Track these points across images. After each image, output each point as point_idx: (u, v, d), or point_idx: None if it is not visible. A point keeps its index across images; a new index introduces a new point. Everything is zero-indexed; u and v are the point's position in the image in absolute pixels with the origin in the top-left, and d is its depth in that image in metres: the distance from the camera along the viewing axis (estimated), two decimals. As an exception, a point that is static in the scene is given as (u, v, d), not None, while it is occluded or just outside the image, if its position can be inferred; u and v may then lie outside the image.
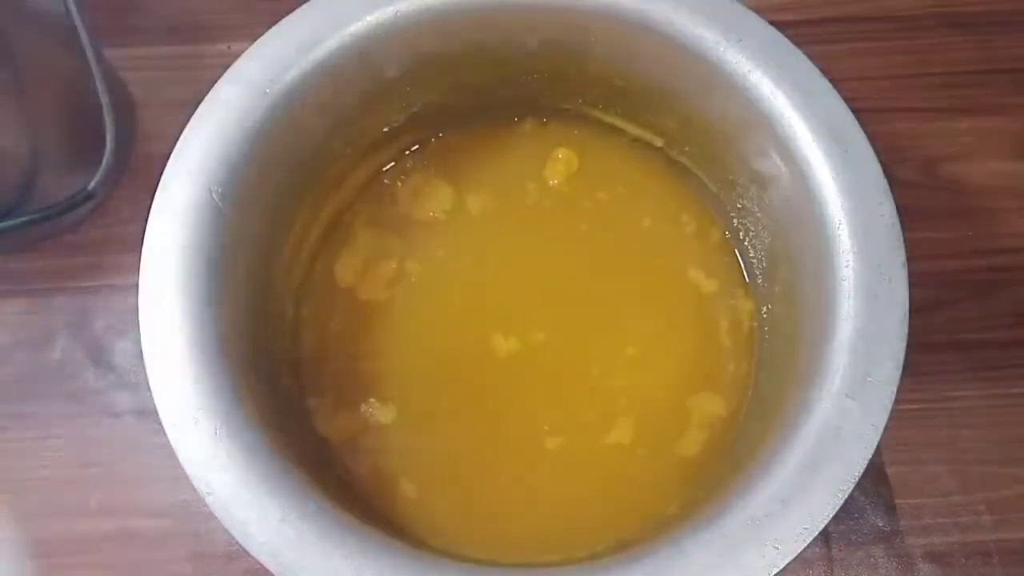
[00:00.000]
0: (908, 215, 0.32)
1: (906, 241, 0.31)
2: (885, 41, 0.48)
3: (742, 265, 0.42)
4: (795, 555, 0.28)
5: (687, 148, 0.41)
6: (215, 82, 0.34)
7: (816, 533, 0.28)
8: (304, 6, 0.35)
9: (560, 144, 0.44)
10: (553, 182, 0.43)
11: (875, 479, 0.41)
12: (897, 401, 0.30)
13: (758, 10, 0.35)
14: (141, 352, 0.31)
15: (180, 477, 0.40)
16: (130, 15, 0.49)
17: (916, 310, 0.31)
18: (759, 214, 0.39)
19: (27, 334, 0.44)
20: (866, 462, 0.29)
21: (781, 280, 0.38)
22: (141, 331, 0.31)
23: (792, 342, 0.36)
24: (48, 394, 0.43)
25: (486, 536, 0.38)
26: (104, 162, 0.40)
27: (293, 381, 0.40)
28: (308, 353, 0.41)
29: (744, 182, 0.38)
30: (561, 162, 0.43)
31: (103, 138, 0.41)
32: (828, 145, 0.33)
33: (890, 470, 0.41)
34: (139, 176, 0.46)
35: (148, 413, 0.42)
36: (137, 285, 0.31)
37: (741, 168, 0.38)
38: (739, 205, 0.40)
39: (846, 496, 0.29)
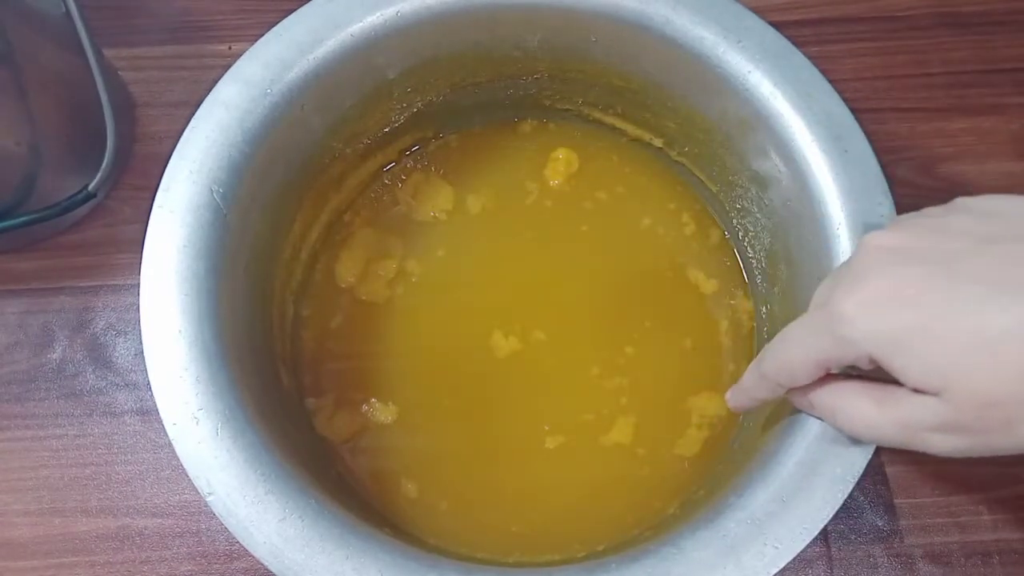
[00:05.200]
0: (908, 215, 0.32)
1: (906, 241, 0.31)
2: (884, 41, 0.48)
3: (742, 265, 0.42)
4: (795, 554, 0.28)
5: (687, 148, 0.41)
6: (215, 82, 0.34)
7: (816, 532, 0.28)
8: (305, 7, 0.35)
9: (560, 144, 0.44)
10: (554, 182, 0.43)
11: (875, 479, 0.41)
12: (897, 401, 0.30)
13: (758, 10, 0.35)
14: (141, 352, 0.31)
15: (180, 476, 0.41)
16: (130, 15, 0.49)
17: (916, 310, 0.30)
18: (759, 214, 0.39)
19: (27, 334, 0.44)
20: (866, 462, 0.29)
21: (781, 280, 0.38)
22: (142, 332, 0.31)
23: (792, 342, 0.36)
24: (48, 394, 0.43)
25: (486, 535, 0.38)
26: (104, 162, 0.40)
27: (293, 381, 0.40)
28: (308, 353, 0.41)
29: (744, 182, 0.38)
30: (561, 162, 0.43)
31: (103, 138, 0.40)
32: (828, 145, 0.33)
33: (890, 470, 0.41)
34: (139, 176, 0.46)
35: (148, 413, 0.42)
36: (137, 285, 0.31)
37: (741, 168, 0.38)
38: (739, 205, 0.40)
39: (846, 495, 0.29)
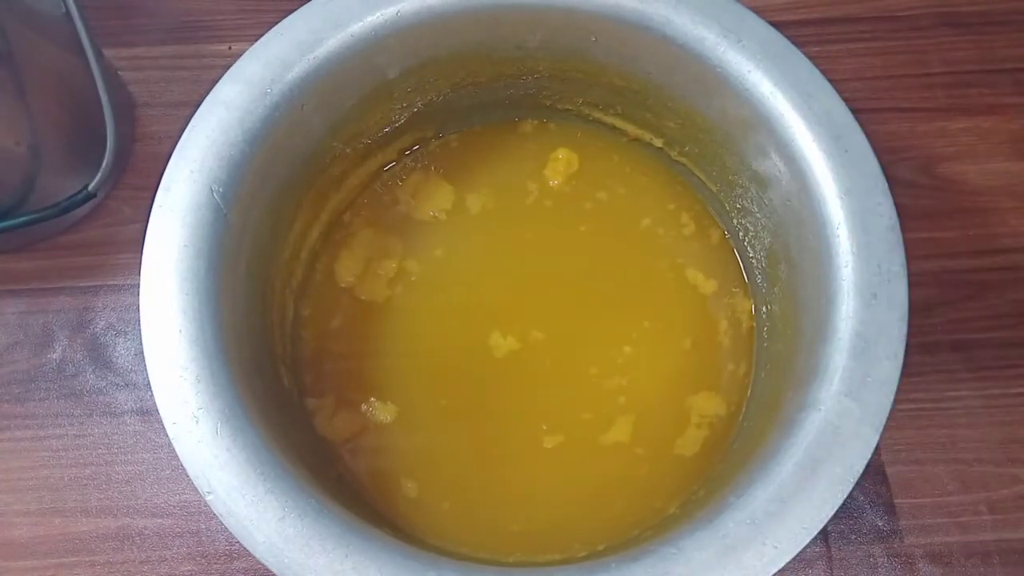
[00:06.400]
0: (907, 215, 0.32)
1: (905, 241, 0.31)
2: (885, 41, 0.48)
3: (741, 265, 0.42)
4: (794, 555, 0.28)
5: (687, 148, 0.41)
6: (215, 82, 0.34)
7: (815, 533, 0.28)
8: (305, 6, 0.35)
9: (560, 144, 0.44)
10: (553, 182, 0.43)
11: (875, 479, 0.41)
12: (897, 401, 0.30)
13: (758, 10, 0.35)
14: (141, 352, 0.31)
15: (180, 476, 0.41)
16: (130, 15, 0.49)
17: (915, 310, 0.31)
18: (759, 214, 0.39)
19: (27, 334, 0.44)
20: (865, 462, 0.29)
21: (781, 280, 0.38)
22: (142, 330, 0.31)
23: (792, 342, 0.36)
24: (48, 394, 0.43)
25: (487, 535, 0.38)
26: (104, 162, 0.40)
27: (293, 381, 0.40)
28: (308, 353, 0.41)
29: (744, 182, 0.38)
30: (561, 162, 0.43)
31: (103, 138, 0.41)
32: (828, 145, 0.33)
33: (890, 470, 0.41)
34: (139, 176, 0.46)
35: (148, 412, 0.42)
36: (137, 285, 0.31)
37: (741, 168, 0.38)
38: (739, 205, 0.40)
39: (845, 496, 0.29)
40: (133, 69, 0.48)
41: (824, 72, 0.34)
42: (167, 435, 0.30)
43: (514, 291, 0.42)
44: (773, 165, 0.35)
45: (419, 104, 0.41)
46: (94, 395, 0.43)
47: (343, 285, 0.42)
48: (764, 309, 0.40)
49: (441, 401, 0.40)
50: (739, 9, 0.35)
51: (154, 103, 0.47)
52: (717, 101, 0.36)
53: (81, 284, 0.44)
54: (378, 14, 0.35)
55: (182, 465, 0.29)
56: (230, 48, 0.48)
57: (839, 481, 0.29)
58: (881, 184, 0.32)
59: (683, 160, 0.42)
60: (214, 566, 0.40)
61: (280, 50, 0.34)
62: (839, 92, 0.34)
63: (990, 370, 0.43)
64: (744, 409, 0.40)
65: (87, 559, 0.40)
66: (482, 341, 0.40)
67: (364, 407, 0.40)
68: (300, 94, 0.34)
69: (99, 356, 0.43)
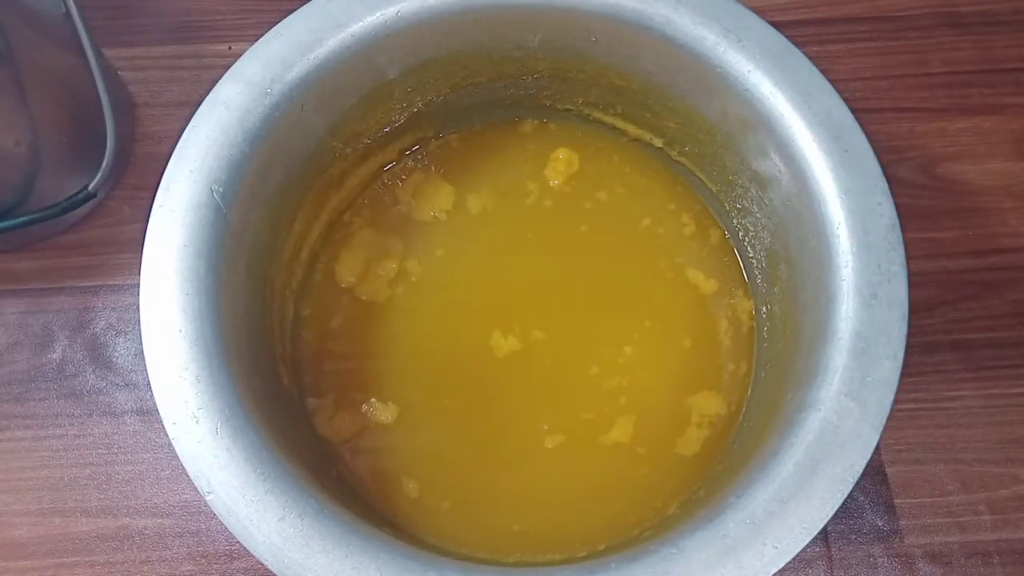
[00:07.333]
0: (907, 215, 0.32)
1: (905, 241, 0.31)
2: (885, 41, 0.48)
3: (742, 265, 0.42)
4: (794, 555, 0.28)
5: (687, 148, 0.41)
6: (215, 82, 0.34)
7: (815, 533, 0.28)
8: (305, 6, 0.35)
9: (561, 144, 0.44)
10: (554, 182, 0.43)
11: (875, 479, 0.41)
12: (897, 401, 0.30)
13: (758, 10, 0.35)
14: (141, 352, 0.31)
15: (180, 477, 0.41)
16: (130, 15, 0.49)
17: (915, 310, 0.31)
18: (759, 214, 0.39)
19: (27, 334, 0.44)
20: (865, 462, 0.29)
21: (781, 280, 0.38)
22: (142, 330, 0.31)
23: (792, 342, 0.36)
24: (48, 394, 0.43)
25: (487, 535, 0.38)
26: (104, 162, 0.40)
27: (293, 381, 0.40)
28: (308, 353, 0.41)
29: (744, 182, 0.38)
30: (562, 162, 0.43)
31: (103, 138, 0.41)
32: (828, 145, 0.33)
33: (890, 470, 0.41)
34: (139, 176, 0.46)
35: (148, 412, 0.42)
36: (137, 285, 0.31)
37: (741, 168, 0.38)
38: (739, 205, 0.40)
39: (845, 496, 0.29)
40: (133, 69, 0.48)
41: (824, 72, 0.34)
42: (167, 435, 0.30)
43: (515, 291, 0.42)
44: (773, 165, 0.35)
45: (419, 104, 0.41)
46: (94, 395, 0.43)
47: (343, 285, 0.42)
48: (764, 309, 0.40)
49: (442, 401, 0.40)
50: (739, 9, 0.35)
51: (154, 103, 0.47)
52: (717, 101, 0.36)
53: (81, 284, 0.44)
54: (378, 14, 0.35)
55: (182, 465, 0.29)
56: (230, 48, 0.48)
57: (839, 481, 0.29)
58: (881, 184, 0.32)
59: (683, 160, 0.42)
60: (214, 566, 0.40)
61: (280, 50, 0.34)
62: (839, 92, 0.34)
63: (990, 370, 0.43)
64: (744, 409, 0.40)
65: (87, 559, 0.40)
66: (483, 341, 0.40)
67: (364, 407, 0.40)
68: (300, 94, 0.34)
69: (99, 356, 0.43)
